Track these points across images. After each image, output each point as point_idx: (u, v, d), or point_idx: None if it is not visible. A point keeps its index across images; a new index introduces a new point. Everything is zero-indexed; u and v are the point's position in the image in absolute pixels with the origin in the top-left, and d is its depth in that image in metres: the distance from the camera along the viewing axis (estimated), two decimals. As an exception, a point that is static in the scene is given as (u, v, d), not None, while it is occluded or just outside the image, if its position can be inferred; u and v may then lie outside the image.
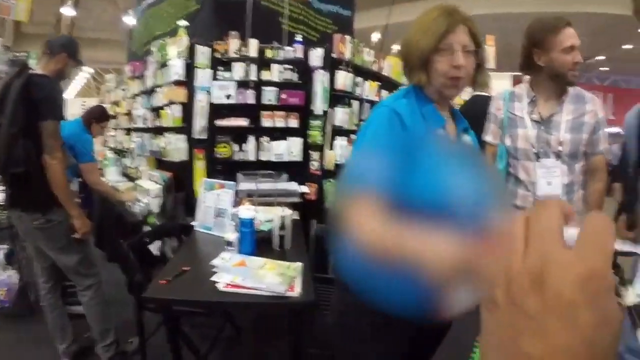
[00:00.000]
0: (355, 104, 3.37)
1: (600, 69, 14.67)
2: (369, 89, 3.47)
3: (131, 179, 4.46)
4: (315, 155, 3.14)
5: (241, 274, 1.74)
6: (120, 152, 5.27)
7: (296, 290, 1.64)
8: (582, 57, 1.63)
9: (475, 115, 3.05)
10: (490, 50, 6.13)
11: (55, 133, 2.03)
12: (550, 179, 1.64)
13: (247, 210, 2.04)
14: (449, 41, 1.04)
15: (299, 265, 1.86)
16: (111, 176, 4.79)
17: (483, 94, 3.18)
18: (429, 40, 1.04)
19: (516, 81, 7.10)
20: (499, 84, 3.68)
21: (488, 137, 1.85)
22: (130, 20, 5.60)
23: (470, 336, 2.24)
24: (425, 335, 1.20)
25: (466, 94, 5.74)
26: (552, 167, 1.64)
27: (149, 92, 3.86)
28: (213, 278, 1.73)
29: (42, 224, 2.05)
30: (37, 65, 2.13)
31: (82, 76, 19.81)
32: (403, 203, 0.74)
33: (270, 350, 2.48)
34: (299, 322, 1.77)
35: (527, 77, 1.82)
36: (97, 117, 3.11)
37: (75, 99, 17.80)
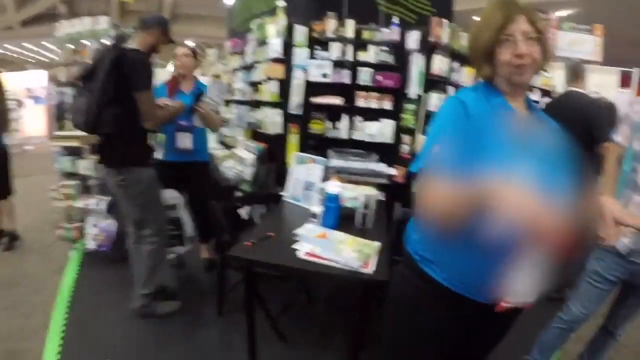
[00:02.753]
0: (451, 89, 3.25)
1: None
2: (465, 75, 3.30)
3: (228, 147, 4.77)
4: (406, 138, 3.13)
5: (321, 245, 1.83)
6: (218, 122, 5.61)
7: (370, 268, 1.70)
8: None
9: (566, 109, 2.89)
10: (597, 41, 5.49)
11: (150, 101, 2.25)
12: None
13: (334, 186, 2.13)
14: (509, 31, 1.03)
15: (377, 244, 1.91)
16: (210, 143, 5.16)
17: (577, 89, 2.94)
18: (489, 32, 1.05)
19: (623, 77, 6.24)
20: (605, 80, 3.25)
21: (618, 138, 1.84)
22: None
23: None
24: (477, 337, 1.24)
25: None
26: None
27: (249, 67, 4.08)
28: (294, 246, 1.84)
29: (119, 181, 2.27)
30: (132, 41, 2.31)
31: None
32: (469, 173, 0.90)
33: (339, 323, 2.56)
34: (368, 299, 1.80)
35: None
36: None
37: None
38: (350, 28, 3.12)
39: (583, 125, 2.69)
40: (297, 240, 1.90)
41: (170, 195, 2.93)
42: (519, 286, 0.98)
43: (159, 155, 2.84)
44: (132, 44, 2.27)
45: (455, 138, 1.02)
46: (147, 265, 2.42)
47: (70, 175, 3.37)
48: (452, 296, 1.09)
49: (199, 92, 2.77)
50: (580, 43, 5.57)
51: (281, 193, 2.73)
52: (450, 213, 0.92)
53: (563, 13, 7.28)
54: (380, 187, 2.86)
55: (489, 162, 0.96)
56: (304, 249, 1.81)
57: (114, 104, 2.14)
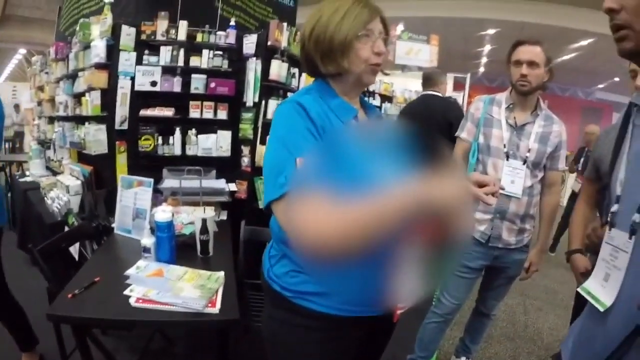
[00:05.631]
0: (290, 96, 3.07)
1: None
2: (305, 82, 3.15)
3: (55, 173, 4.08)
4: (246, 150, 2.91)
5: (156, 287, 1.56)
6: (44, 143, 4.81)
7: (217, 306, 1.49)
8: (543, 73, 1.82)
9: (425, 110, 3.13)
10: (433, 50, 6.17)
11: None
12: (514, 178, 1.84)
13: (163, 212, 1.81)
14: (371, 27, 0.99)
15: (221, 275, 1.69)
16: (35, 169, 4.38)
17: (433, 92, 3.24)
18: (353, 25, 0.97)
19: (456, 83, 7.26)
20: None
21: (463, 134, 2.02)
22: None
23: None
24: (366, 352, 1.16)
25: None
26: (517, 168, 1.84)
27: (72, 76, 3.48)
28: (126, 291, 1.54)
29: None
30: None
31: (14, 58, 18.35)
32: (338, 189, 0.84)
33: None
34: (224, 338, 1.61)
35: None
36: None
37: (5, 83, 16.48)
38: (183, 30, 2.81)
39: (443, 124, 2.93)
40: (128, 284, 1.59)
41: None
42: (408, 286, 0.99)
43: None
44: None
45: (314, 147, 0.90)
46: None
47: None
48: (343, 322, 1.01)
49: None
50: (418, 52, 6.16)
51: (112, 224, 2.32)
52: (346, 234, 0.79)
53: (401, 27, 8.06)
54: (222, 205, 2.66)
55: (352, 171, 0.91)
56: (135, 294, 1.52)
57: None
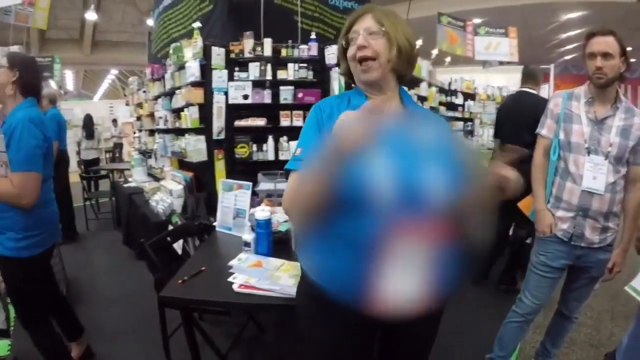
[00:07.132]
0: None
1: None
2: None
3: (156, 179, 4.57)
4: (333, 155, 3.09)
5: (256, 275, 1.75)
6: (144, 153, 5.39)
7: None
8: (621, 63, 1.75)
9: (517, 107, 3.11)
10: (513, 43, 5.90)
11: None
12: (596, 174, 1.78)
13: (262, 212, 2.04)
14: (355, 29, 1.07)
15: (314, 266, 1.86)
16: (137, 176, 4.91)
17: (527, 89, 3.15)
18: (342, 34, 1.12)
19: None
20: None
21: (543, 131, 1.99)
22: (150, 22, 5.69)
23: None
24: (391, 331, 1.18)
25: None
26: (599, 164, 1.78)
27: (169, 94, 3.92)
28: (229, 279, 1.74)
29: None
30: None
31: (107, 78, 20.34)
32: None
33: (291, 352, 2.41)
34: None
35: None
36: None
37: (102, 101, 18.27)
38: (268, 46, 3.08)
39: (531, 122, 2.88)
40: (231, 273, 1.81)
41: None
42: (397, 288, 0.88)
43: None
44: None
45: (308, 140, 1.10)
46: None
47: None
48: (332, 299, 0.99)
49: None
50: (497, 46, 5.94)
51: (213, 223, 2.60)
52: (309, 201, 0.93)
53: (477, 20, 7.81)
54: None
55: None
56: (238, 281, 1.71)
57: None
